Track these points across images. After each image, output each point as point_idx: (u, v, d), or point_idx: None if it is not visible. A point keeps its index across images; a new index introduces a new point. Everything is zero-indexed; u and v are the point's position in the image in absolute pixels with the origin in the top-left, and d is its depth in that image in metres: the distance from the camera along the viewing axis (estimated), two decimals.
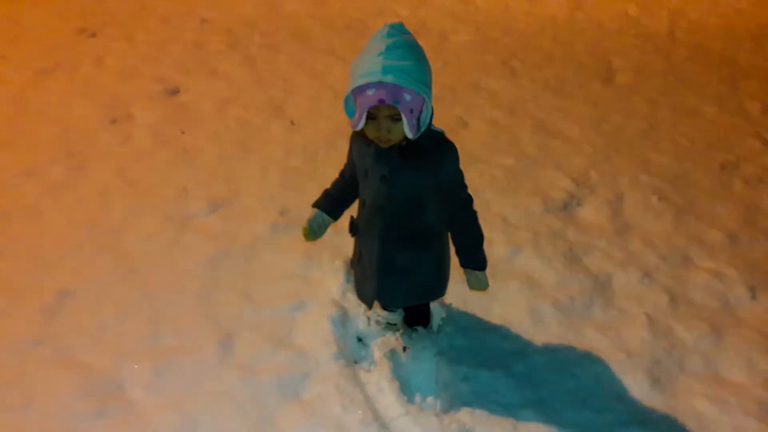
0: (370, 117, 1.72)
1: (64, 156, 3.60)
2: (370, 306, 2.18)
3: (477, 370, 2.22)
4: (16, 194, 3.24)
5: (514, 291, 2.61)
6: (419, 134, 1.76)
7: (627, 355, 2.32)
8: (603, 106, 4.40)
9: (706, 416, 2.09)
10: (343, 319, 2.43)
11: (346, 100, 1.78)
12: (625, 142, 3.92)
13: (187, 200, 3.21)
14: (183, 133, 3.91)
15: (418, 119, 1.74)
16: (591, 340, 2.39)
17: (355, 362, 2.31)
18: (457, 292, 2.57)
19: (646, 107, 4.41)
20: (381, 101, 1.64)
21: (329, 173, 3.41)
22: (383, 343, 2.34)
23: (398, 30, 1.71)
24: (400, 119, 1.69)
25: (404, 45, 1.68)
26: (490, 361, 2.28)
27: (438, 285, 2.15)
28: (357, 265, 2.15)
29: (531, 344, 2.37)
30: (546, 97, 4.52)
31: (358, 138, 1.91)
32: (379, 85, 1.63)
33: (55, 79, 4.68)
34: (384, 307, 2.33)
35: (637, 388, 2.19)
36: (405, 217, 1.94)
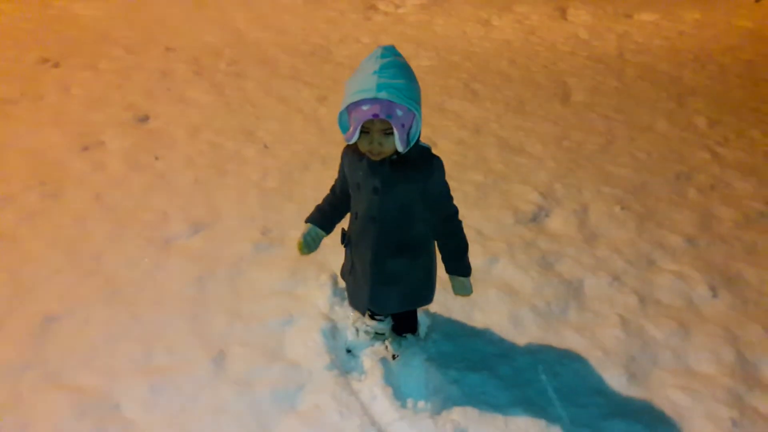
0: (364, 131, 1.83)
1: (38, 184, 3.58)
2: (363, 312, 2.29)
3: (465, 373, 2.32)
4: None
5: (494, 298, 2.73)
6: (409, 148, 1.87)
7: (604, 353, 2.45)
8: (562, 124, 4.63)
9: (681, 405, 2.23)
10: (332, 331, 2.50)
11: (341, 115, 1.89)
12: (586, 156, 4.13)
13: (167, 223, 3.24)
14: (157, 158, 3.94)
15: (408, 134, 1.85)
16: (569, 340, 2.52)
17: (347, 372, 2.38)
18: (441, 300, 2.68)
19: (603, 124, 4.66)
20: (375, 116, 1.76)
21: (306, 193, 3.53)
22: (373, 352, 2.41)
23: (391, 52, 1.84)
24: (392, 133, 1.81)
25: (396, 65, 1.80)
26: (476, 364, 2.38)
27: (426, 291, 2.25)
28: (349, 275, 2.24)
29: (514, 347, 2.48)
30: (508, 117, 4.72)
31: (350, 153, 2.03)
32: (373, 101, 1.75)
33: (21, 109, 4.65)
34: (373, 316, 2.41)
35: (616, 382, 2.32)
36: (396, 227, 2.04)
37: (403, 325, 2.45)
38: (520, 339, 2.52)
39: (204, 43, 6.30)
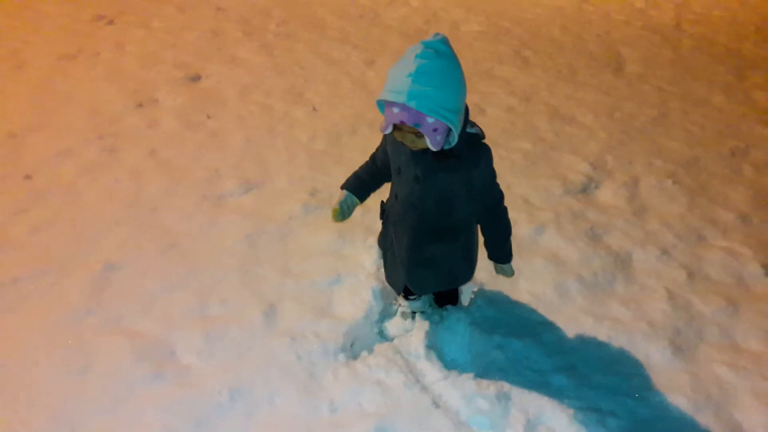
0: (396, 126, 1.76)
1: (96, 138, 3.70)
2: (399, 292, 2.28)
3: (509, 339, 2.35)
4: (54, 174, 3.35)
5: (540, 267, 2.74)
6: (450, 146, 1.80)
7: (649, 326, 2.45)
8: (614, 95, 4.53)
9: (727, 381, 2.23)
10: (379, 292, 2.56)
11: (381, 103, 1.79)
12: (638, 128, 4.05)
13: (220, 181, 3.32)
14: (209, 117, 4.02)
15: (447, 134, 1.76)
16: (615, 312, 2.53)
17: (393, 332, 2.44)
18: (487, 267, 2.70)
19: (656, 96, 4.54)
20: (402, 122, 1.70)
21: (354, 157, 3.55)
22: (418, 315, 2.47)
23: (435, 49, 1.68)
24: (423, 135, 1.72)
25: (436, 69, 1.67)
26: (520, 330, 2.41)
27: (465, 272, 2.23)
28: (387, 252, 2.24)
29: (559, 315, 2.50)
30: (559, 86, 4.64)
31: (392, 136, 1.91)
32: (403, 106, 1.66)
33: (78, 65, 4.77)
34: (407, 297, 2.44)
35: (660, 355, 2.33)
36: (436, 214, 2.00)
37: (443, 300, 2.48)
38: (565, 308, 2.54)
39: (253, 3, 6.30)
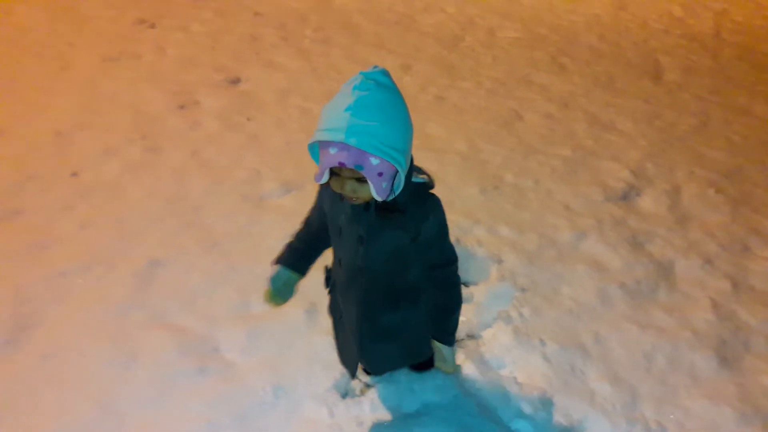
0: (334, 173, 1.51)
1: (139, 138, 3.77)
2: (353, 374, 2.00)
3: (551, 345, 2.34)
4: (99, 171, 3.42)
5: (582, 273, 2.72)
6: (394, 196, 1.56)
7: (694, 335, 2.41)
8: (654, 103, 4.48)
9: None
10: None
11: (311, 145, 1.55)
12: (679, 137, 4.00)
13: (260, 182, 3.36)
14: (249, 120, 4.07)
15: (393, 180, 1.52)
16: (658, 320, 2.49)
17: None
18: (527, 273, 2.70)
19: (697, 105, 4.48)
20: (341, 164, 1.43)
21: None
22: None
23: (374, 81, 1.45)
24: (366, 181, 1.47)
25: (377, 102, 1.44)
26: (563, 337, 2.39)
27: (429, 342, 1.93)
28: (337, 324, 1.99)
29: (601, 323, 2.47)
30: (597, 93, 4.61)
31: (330, 191, 1.65)
32: (342, 145, 1.41)
33: (121, 67, 4.87)
34: (369, 374, 2.18)
35: (705, 364, 2.29)
36: (387, 277, 1.74)
37: (417, 366, 2.16)
38: (608, 315, 2.51)
39: (290, 8, 6.38)
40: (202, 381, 2.19)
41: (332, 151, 1.43)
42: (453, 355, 1.85)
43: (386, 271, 1.72)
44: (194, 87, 4.53)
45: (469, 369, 2.24)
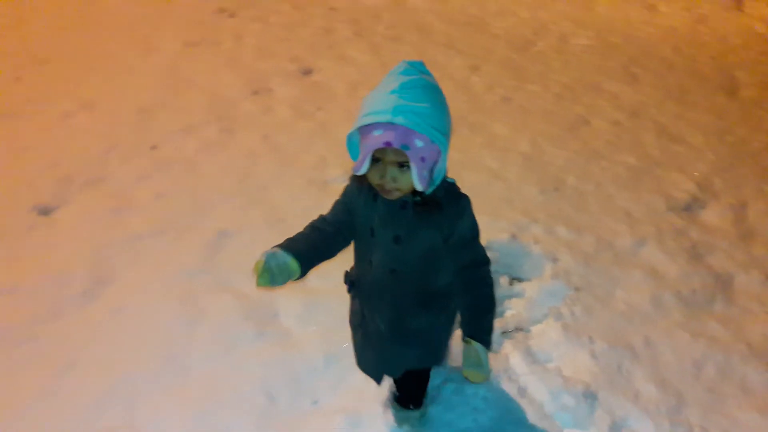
0: (375, 160, 1.49)
1: (215, 119, 3.97)
2: (379, 381, 1.92)
3: (600, 343, 2.36)
4: (177, 147, 3.63)
5: (638, 279, 2.72)
6: (433, 188, 1.55)
7: (748, 348, 2.38)
8: (726, 118, 4.38)
9: None
10: None
11: (350, 138, 1.56)
12: (750, 153, 3.91)
13: (326, 168, 3.49)
14: (319, 109, 4.21)
15: (432, 171, 1.52)
16: (712, 330, 2.47)
17: None
18: (582, 273, 2.72)
19: None
20: (387, 144, 1.41)
21: (453, 155, 3.62)
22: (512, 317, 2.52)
23: (417, 68, 1.51)
24: (408, 167, 1.47)
25: (422, 85, 1.47)
26: (613, 337, 2.40)
27: (446, 350, 1.90)
28: (358, 328, 1.91)
29: (653, 327, 2.47)
30: (668, 105, 4.54)
31: (360, 190, 1.67)
32: (387, 126, 1.41)
33: (201, 52, 5.11)
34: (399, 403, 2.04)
35: (758, 378, 2.26)
36: (419, 279, 1.71)
37: (408, 391, 2.03)
38: (661, 321, 2.51)
39: (364, 5, 6.51)
40: (260, 344, 2.32)
41: (377, 132, 1.43)
42: (487, 358, 1.68)
43: (419, 272, 1.69)
44: (268, 75, 4.71)
45: (515, 359, 2.29)
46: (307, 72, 4.85)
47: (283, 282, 1.59)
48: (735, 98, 4.77)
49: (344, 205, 1.75)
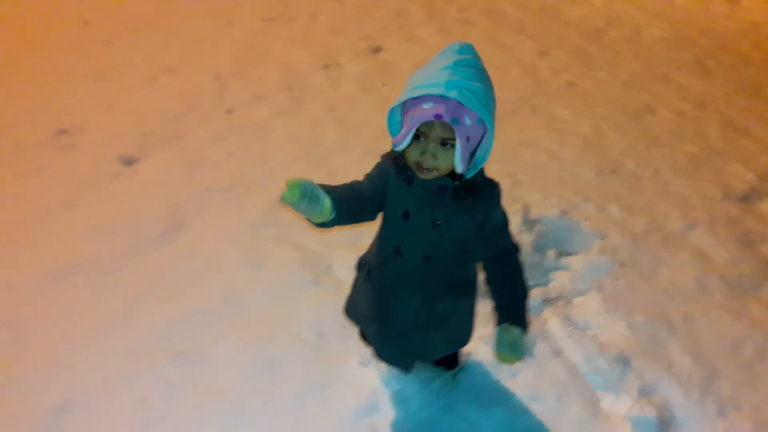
0: (416, 137, 1.48)
1: (287, 88, 4.19)
2: (409, 370, 1.93)
3: (638, 317, 2.42)
4: (250, 113, 3.87)
5: (684, 260, 2.75)
6: (474, 172, 1.55)
7: None
8: None
9: None
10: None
11: (391, 113, 1.55)
12: None
13: (385, 140, 3.62)
14: (384, 85, 4.37)
15: (473, 154, 1.52)
16: (755, 312, 2.49)
17: None
18: (628, 249, 2.78)
19: None
20: (438, 116, 1.40)
21: (512, 136, 3.72)
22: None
23: (470, 50, 1.51)
24: (450, 146, 1.46)
25: (475, 66, 1.48)
26: (652, 311, 2.46)
27: (470, 330, 1.94)
28: (372, 321, 1.87)
29: (695, 305, 2.51)
30: (738, 98, 4.46)
31: (395, 171, 1.63)
32: (438, 99, 1.41)
33: (277, 27, 5.36)
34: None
35: None
36: (451, 265, 1.71)
37: (447, 361, 2.13)
38: (704, 300, 2.54)
39: None
40: (314, 291, 2.50)
41: (427, 105, 1.41)
42: (523, 341, 1.63)
43: (452, 259, 1.69)
44: (339, 51, 4.90)
45: (553, 324, 2.39)
46: (377, 50, 5.02)
47: (307, 209, 1.41)
48: None
49: (381, 177, 1.67)
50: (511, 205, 3.03)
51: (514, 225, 2.89)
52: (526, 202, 3.01)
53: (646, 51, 5.25)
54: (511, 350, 1.60)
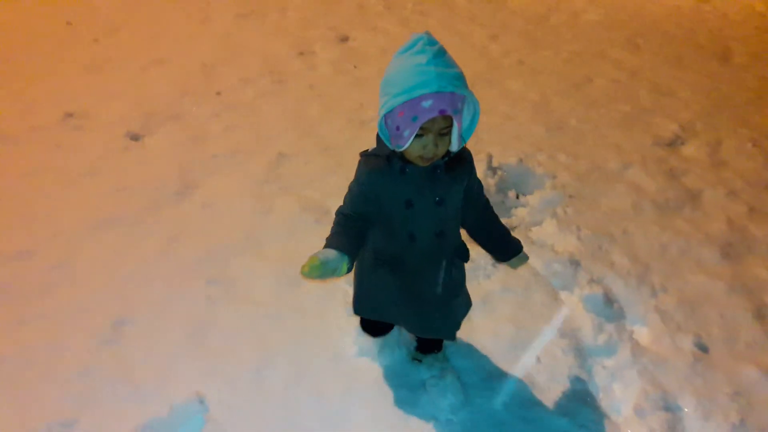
0: (418, 134, 1.56)
1: (268, 73, 4.64)
2: (453, 337, 2.09)
3: (587, 232, 2.97)
4: (238, 94, 4.30)
5: (622, 191, 3.33)
6: (463, 144, 1.68)
7: (706, 237, 2.99)
8: (715, 79, 4.95)
9: (765, 280, 2.74)
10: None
11: (382, 122, 1.64)
12: (732, 105, 4.48)
13: (363, 110, 4.13)
14: (355, 67, 4.87)
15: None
16: (678, 225, 3.07)
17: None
18: (576, 186, 3.33)
19: (756, 83, 4.92)
20: (442, 111, 1.49)
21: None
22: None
23: (433, 38, 1.56)
24: (447, 134, 1.58)
25: (445, 52, 1.55)
26: (597, 228, 3.01)
27: (468, 295, 2.10)
28: (404, 306, 1.95)
29: (631, 223, 3.07)
30: (664, 68, 5.12)
31: (382, 169, 1.71)
32: (436, 95, 1.48)
33: (251, 22, 5.79)
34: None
35: (711, 256, 2.86)
36: (454, 234, 1.86)
37: (430, 343, 2.20)
38: (638, 219, 3.11)
39: None
40: (317, 228, 2.96)
41: (426, 104, 1.48)
42: (525, 253, 2.06)
43: (453, 228, 1.82)
44: (311, 41, 5.37)
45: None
46: (344, 39, 5.50)
47: (326, 277, 1.63)
48: (727, 64, 5.34)
49: (363, 196, 1.76)
50: (476, 155, 3.56)
51: (480, 172, 3.41)
52: (489, 152, 3.54)
53: (584, 33, 5.89)
54: (522, 261, 2.09)
